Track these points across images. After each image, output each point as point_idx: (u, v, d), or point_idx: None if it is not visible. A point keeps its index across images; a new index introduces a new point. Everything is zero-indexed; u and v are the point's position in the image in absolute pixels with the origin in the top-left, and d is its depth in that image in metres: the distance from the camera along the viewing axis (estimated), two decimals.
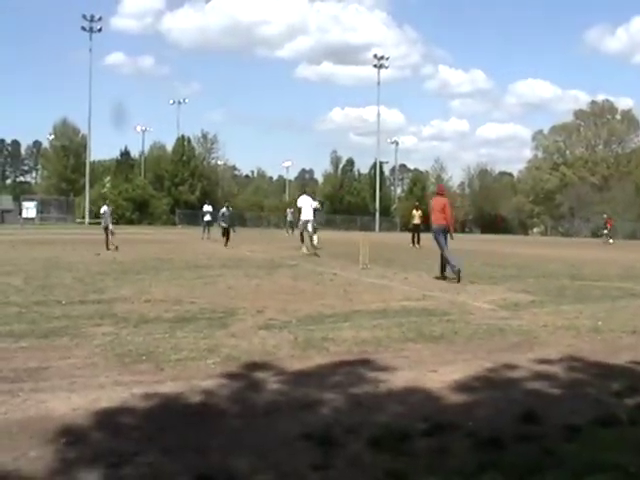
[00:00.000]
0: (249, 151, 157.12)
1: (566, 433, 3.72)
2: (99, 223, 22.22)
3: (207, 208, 33.42)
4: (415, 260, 17.61)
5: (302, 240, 19.52)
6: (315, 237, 19.59)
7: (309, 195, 20.99)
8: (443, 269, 12.42)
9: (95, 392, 4.41)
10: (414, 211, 28.06)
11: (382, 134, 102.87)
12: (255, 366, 5.24)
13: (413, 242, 26.44)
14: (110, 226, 20.95)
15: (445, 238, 12.43)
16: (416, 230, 27.13)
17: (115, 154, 78.62)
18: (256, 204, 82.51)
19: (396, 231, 60.78)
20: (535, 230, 78.02)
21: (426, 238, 18.50)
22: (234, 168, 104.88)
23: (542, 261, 18.74)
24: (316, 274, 13.01)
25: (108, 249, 19.27)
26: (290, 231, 33.85)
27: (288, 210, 36.92)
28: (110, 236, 20.47)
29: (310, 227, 19.49)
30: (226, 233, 24.86)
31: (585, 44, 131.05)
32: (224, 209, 26.21)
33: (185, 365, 5.25)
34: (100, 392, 4.41)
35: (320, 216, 28.85)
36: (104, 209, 22.09)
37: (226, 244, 23.71)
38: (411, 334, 6.69)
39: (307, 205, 19.98)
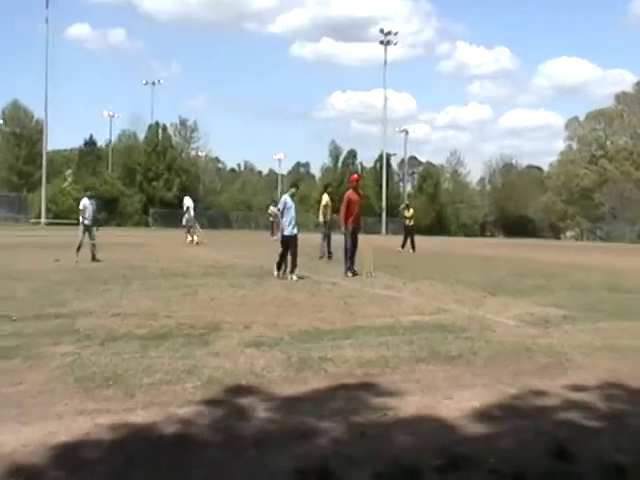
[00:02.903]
0: (235, 142, 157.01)
1: (605, 473, 3.73)
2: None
3: (188, 202, 30.62)
4: (427, 268, 17.70)
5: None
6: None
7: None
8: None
9: (52, 423, 4.43)
10: (405, 211, 28.62)
11: (390, 122, 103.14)
12: (241, 390, 5.26)
13: (405, 245, 26.57)
14: (94, 227, 18.45)
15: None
16: (407, 231, 27.40)
17: (78, 143, 78.49)
18: (243, 202, 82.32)
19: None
20: (568, 234, 78.00)
21: (441, 243, 18.26)
22: (217, 161, 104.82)
23: (576, 270, 18.79)
24: (312, 283, 13.15)
25: (95, 259, 17.92)
26: (271, 236, 32.36)
27: (272, 208, 34.82)
28: (92, 239, 18.21)
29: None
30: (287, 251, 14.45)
31: (631, 15, 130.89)
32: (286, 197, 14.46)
33: (159, 390, 5.24)
34: (58, 423, 4.43)
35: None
36: (85, 203, 18.89)
37: (281, 271, 14.68)
38: (423, 354, 6.75)
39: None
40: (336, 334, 7.73)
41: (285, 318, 8.80)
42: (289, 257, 14.12)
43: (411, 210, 28.05)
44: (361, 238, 15.91)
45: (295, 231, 14.26)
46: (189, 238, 29.09)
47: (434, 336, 7.70)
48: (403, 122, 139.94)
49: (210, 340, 7.24)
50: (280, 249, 14.26)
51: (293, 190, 15.29)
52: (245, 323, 8.31)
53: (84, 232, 18.08)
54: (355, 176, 17.05)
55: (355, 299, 10.94)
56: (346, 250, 15.28)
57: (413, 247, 26.28)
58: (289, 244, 14.12)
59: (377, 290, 12.35)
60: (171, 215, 56.80)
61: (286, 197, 14.68)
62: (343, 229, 15.41)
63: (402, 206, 31.26)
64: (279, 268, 14.23)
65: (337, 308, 9.88)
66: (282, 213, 14.52)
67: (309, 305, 10.18)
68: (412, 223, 27.45)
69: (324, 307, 9.97)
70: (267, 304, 10.14)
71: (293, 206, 14.50)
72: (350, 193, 15.62)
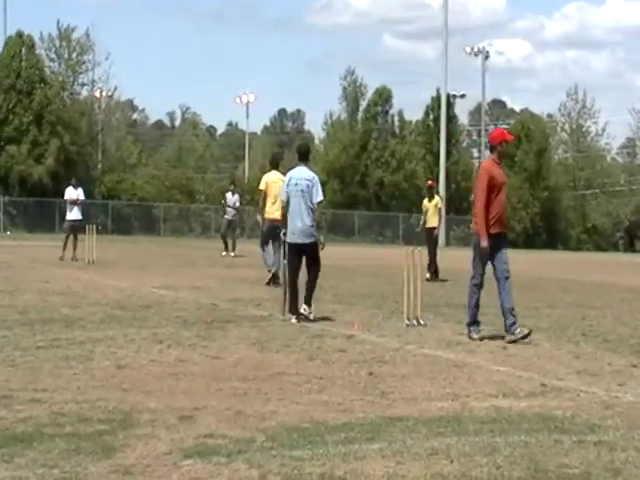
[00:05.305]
0: (166, 73, 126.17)
1: None
2: None
3: (73, 193, 24.13)
4: (526, 308, 13.85)
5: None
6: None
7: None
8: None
9: None
10: (425, 201, 19.74)
11: (455, 36, 76.02)
12: None
13: (430, 271, 18.18)
14: None
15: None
16: (430, 239, 19.18)
17: None
18: (179, 186, 58.05)
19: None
20: None
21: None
22: (132, 108, 76.88)
23: None
24: (310, 337, 10.30)
25: None
26: (230, 246, 27.30)
27: (228, 195, 28.32)
28: None
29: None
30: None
31: None
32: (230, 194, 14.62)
33: None
34: None
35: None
36: None
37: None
38: (516, 471, 4.88)
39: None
40: (353, 432, 5.69)
41: (257, 402, 6.59)
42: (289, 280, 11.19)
43: (436, 198, 19.35)
44: (403, 252, 11.41)
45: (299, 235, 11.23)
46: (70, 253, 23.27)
47: (536, 438, 5.61)
48: (480, 36, 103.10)
49: (116, 444, 5.21)
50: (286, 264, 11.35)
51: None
52: (182, 411, 6.17)
53: None
54: (504, 132, 10.43)
55: (389, 367, 8.36)
56: (479, 283, 9.63)
57: (433, 270, 18.17)
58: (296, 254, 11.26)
59: (429, 350, 9.56)
60: (40, 210, 43.55)
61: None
62: (483, 240, 9.50)
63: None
64: (308, 303, 10.88)
65: (355, 383, 7.52)
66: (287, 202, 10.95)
67: (304, 378, 7.71)
68: (434, 224, 19.00)
69: (331, 381, 7.57)
70: (223, 376, 7.71)
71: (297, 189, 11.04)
72: (490, 164, 9.92)
